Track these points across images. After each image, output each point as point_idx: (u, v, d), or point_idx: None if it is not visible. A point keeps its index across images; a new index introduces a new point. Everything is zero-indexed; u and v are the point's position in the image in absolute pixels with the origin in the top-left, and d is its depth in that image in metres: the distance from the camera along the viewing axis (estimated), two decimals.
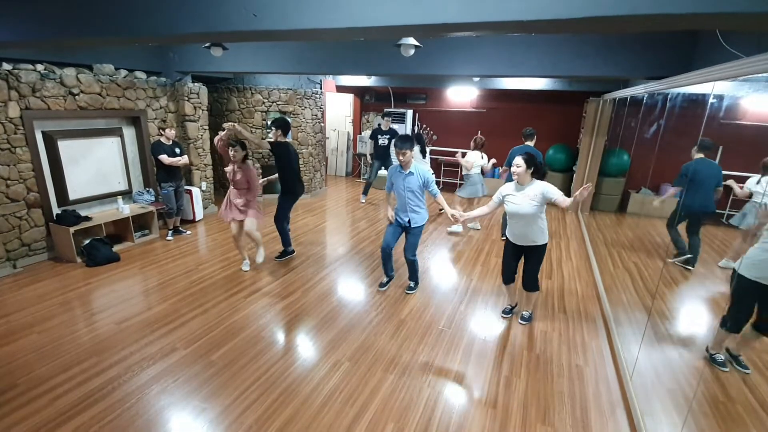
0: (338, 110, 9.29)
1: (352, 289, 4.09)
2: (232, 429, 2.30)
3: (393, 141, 3.57)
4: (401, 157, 3.52)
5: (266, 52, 5.19)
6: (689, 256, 3.91)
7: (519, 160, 3.03)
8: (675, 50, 3.87)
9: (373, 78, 8.55)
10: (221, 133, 3.91)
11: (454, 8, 1.72)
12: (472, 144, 5.65)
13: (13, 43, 2.99)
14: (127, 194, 5.19)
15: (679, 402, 2.65)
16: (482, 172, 5.74)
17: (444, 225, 6.13)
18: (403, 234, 3.87)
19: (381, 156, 7.32)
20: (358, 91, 9.56)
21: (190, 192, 5.81)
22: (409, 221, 3.71)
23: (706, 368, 2.77)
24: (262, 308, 3.62)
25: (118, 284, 4.01)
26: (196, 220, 5.98)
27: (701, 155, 3.82)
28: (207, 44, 4.48)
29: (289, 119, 7.22)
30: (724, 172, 3.82)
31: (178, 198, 5.29)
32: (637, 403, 2.49)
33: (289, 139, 4.26)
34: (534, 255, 3.25)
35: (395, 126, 8.03)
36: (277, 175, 4.44)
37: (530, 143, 5.22)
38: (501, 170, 5.19)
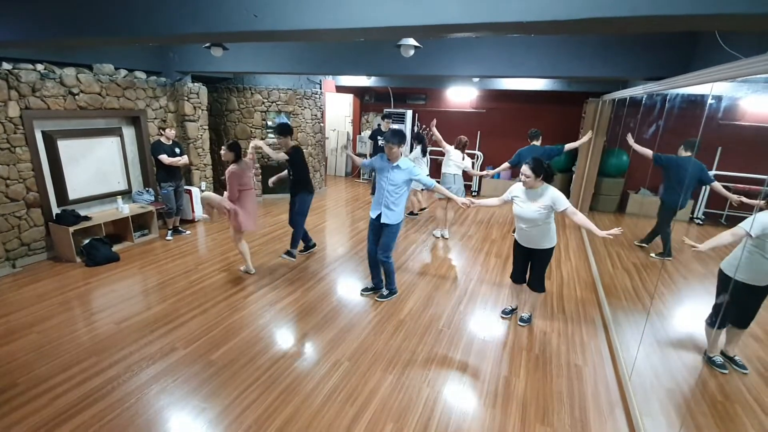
0: (338, 110, 9.29)
1: (351, 288, 4.09)
2: (232, 428, 2.30)
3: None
4: (388, 151, 3.41)
5: (266, 52, 5.20)
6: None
7: (526, 170, 2.95)
8: (674, 51, 3.88)
9: (372, 78, 8.56)
10: (249, 152, 4.07)
11: (454, 9, 1.73)
12: (455, 143, 5.44)
13: (13, 43, 2.99)
14: (126, 194, 5.19)
15: (677, 402, 2.66)
16: (464, 174, 5.55)
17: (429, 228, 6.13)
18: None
19: None
20: (358, 92, 9.57)
21: (189, 192, 5.81)
22: (379, 216, 3.53)
23: (705, 368, 2.78)
24: (262, 308, 3.62)
25: (117, 284, 4.01)
26: (196, 220, 5.99)
27: (688, 153, 3.89)
28: (207, 44, 4.48)
29: (287, 119, 7.23)
30: (723, 173, 3.84)
31: (178, 198, 5.30)
32: (636, 403, 2.49)
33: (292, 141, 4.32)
34: (539, 257, 3.24)
35: (396, 126, 8.03)
36: (286, 172, 4.46)
37: (536, 143, 5.22)
38: (506, 166, 5.12)
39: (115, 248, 4.72)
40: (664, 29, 1.72)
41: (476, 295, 4.02)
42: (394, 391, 2.63)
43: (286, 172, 4.47)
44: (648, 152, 4.43)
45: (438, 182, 3.85)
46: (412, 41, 3.96)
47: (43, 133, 4.28)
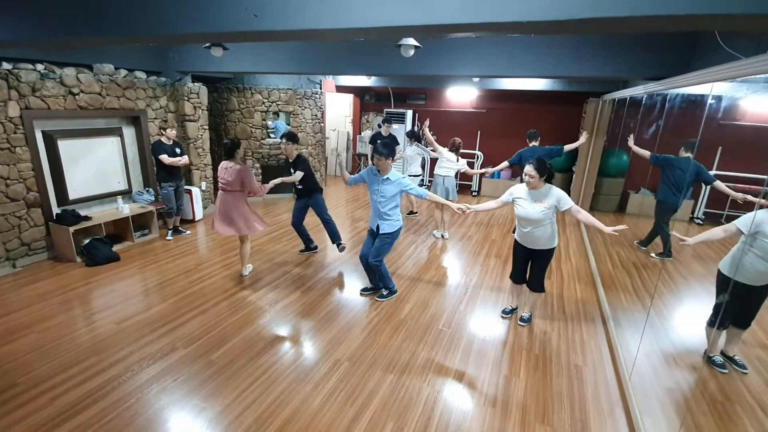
0: (338, 110, 9.29)
1: (351, 288, 4.09)
2: (232, 428, 2.30)
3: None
4: (377, 163, 3.41)
5: (266, 52, 5.20)
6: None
7: (531, 170, 2.95)
8: (674, 51, 3.88)
9: (372, 78, 8.56)
10: (268, 187, 4.10)
11: (454, 9, 1.73)
12: (448, 145, 5.44)
13: (13, 43, 2.99)
14: (126, 194, 5.19)
15: (677, 401, 2.66)
16: (463, 174, 5.52)
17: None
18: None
19: None
20: (358, 92, 9.57)
21: (189, 192, 5.81)
22: (378, 227, 3.59)
23: (704, 368, 2.78)
24: (262, 308, 3.62)
25: (117, 284, 4.01)
26: (196, 219, 5.99)
27: (688, 155, 3.92)
28: (207, 44, 4.48)
29: (284, 121, 7.25)
30: (723, 173, 3.84)
31: (178, 198, 5.30)
32: (636, 402, 2.49)
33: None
34: (540, 258, 3.24)
35: (396, 126, 8.03)
36: (291, 176, 4.46)
37: (535, 144, 5.22)
38: (505, 165, 5.11)
39: (116, 248, 4.73)
40: (664, 29, 1.72)
41: (476, 295, 4.02)
42: (394, 391, 2.63)
43: (291, 176, 4.44)
44: (646, 153, 4.45)
45: (429, 186, 3.87)
46: (412, 41, 3.95)
47: (43, 132, 4.28)
